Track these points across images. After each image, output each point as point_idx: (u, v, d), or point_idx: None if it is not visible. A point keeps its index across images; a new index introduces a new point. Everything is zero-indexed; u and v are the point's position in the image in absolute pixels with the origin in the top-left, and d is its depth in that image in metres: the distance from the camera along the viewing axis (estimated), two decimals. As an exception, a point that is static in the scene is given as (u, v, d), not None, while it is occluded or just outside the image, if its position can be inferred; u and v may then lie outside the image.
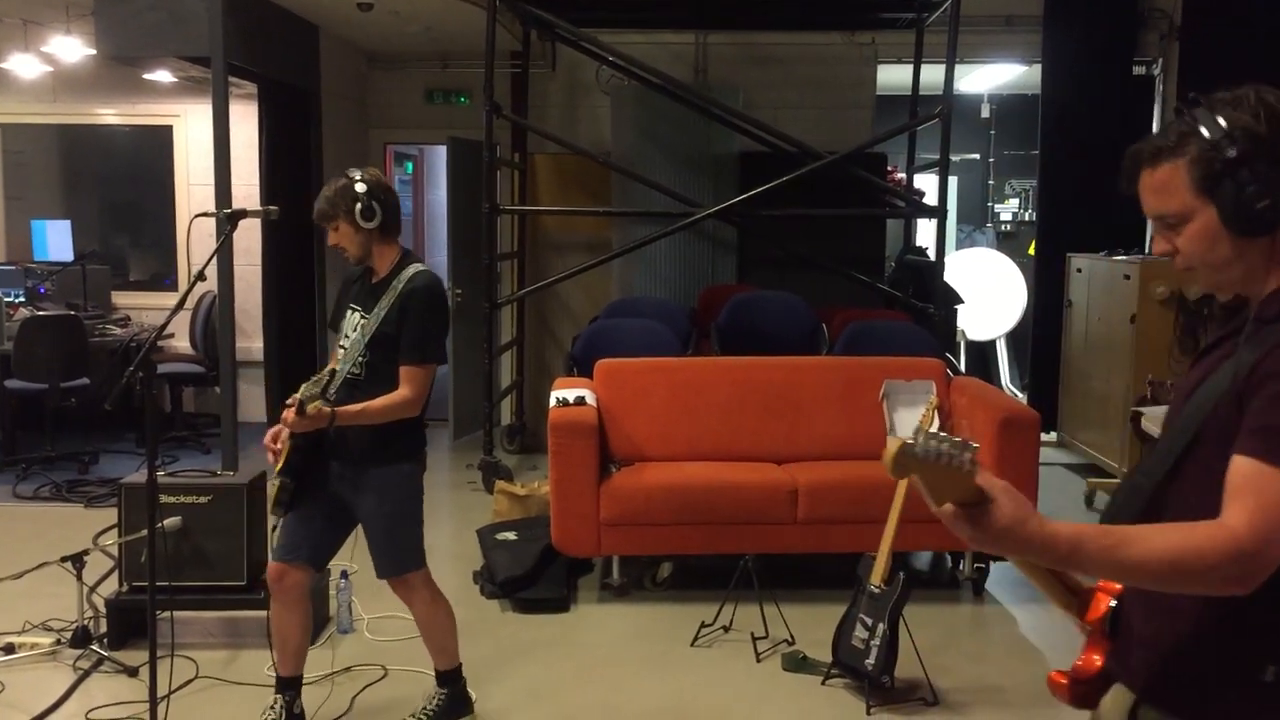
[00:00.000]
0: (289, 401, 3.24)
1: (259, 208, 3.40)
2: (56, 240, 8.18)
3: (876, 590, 3.84)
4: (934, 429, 1.38)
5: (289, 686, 3.61)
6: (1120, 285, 6.56)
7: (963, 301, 7.79)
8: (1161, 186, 1.57)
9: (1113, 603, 1.68)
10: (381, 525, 3.44)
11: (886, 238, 8.05)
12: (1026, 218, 10.42)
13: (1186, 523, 1.46)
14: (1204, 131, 1.51)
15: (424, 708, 3.63)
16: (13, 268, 7.90)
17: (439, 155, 9.77)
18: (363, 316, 3.42)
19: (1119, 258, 6.75)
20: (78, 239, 8.25)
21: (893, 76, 8.15)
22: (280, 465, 3.37)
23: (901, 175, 8.25)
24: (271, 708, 3.58)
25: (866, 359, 5.52)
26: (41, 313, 7.11)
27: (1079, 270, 7.20)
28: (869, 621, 3.84)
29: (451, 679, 3.67)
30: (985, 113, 10.50)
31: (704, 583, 4.87)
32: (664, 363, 5.54)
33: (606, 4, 7.09)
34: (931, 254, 7.10)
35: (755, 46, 8.06)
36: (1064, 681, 1.69)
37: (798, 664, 4.16)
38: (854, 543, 4.35)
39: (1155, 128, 7.84)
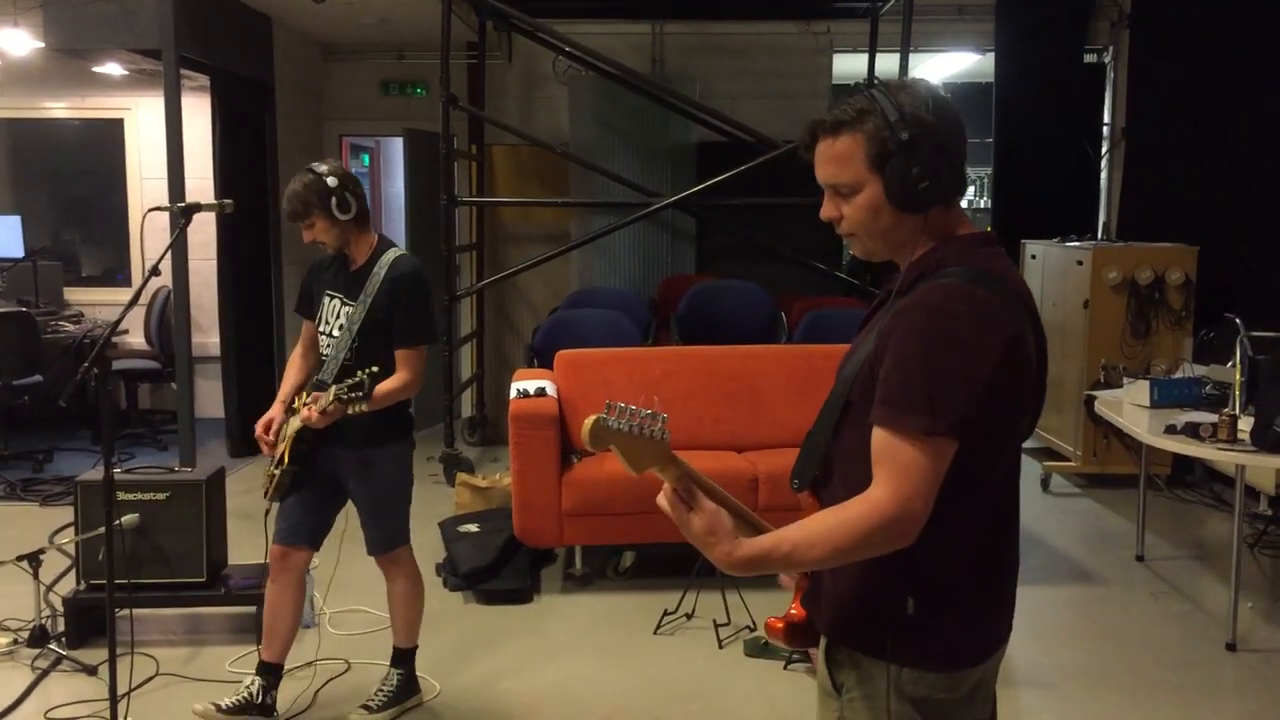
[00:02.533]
0: (308, 400, 3.33)
1: (213, 201, 3.37)
2: (6, 236, 8.04)
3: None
4: (627, 405, 1.55)
5: (269, 673, 3.65)
6: (1074, 271, 6.65)
7: (919, 288, 7.84)
8: (839, 156, 1.69)
9: None
10: (375, 505, 3.55)
11: (843, 226, 8.09)
12: (982, 205, 10.52)
13: (837, 505, 1.62)
14: (883, 111, 1.64)
15: (380, 689, 3.70)
16: (-38, 264, 7.78)
17: (395, 147, 9.69)
18: (344, 303, 3.47)
19: (1072, 244, 6.83)
20: (28, 235, 8.12)
21: (848, 66, 8.20)
22: (287, 455, 3.44)
23: (858, 163, 8.28)
24: (247, 686, 3.62)
25: (824, 347, 5.55)
26: (-8, 310, 7.01)
27: (1033, 256, 7.28)
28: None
29: (408, 659, 3.75)
30: (940, 101, 10.58)
31: (666, 571, 4.89)
32: (624, 353, 5.56)
33: (562, -6, 7.08)
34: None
35: (712, 36, 8.07)
36: (780, 625, 1.84)
37: (760, 649, 4.19)
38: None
39: (1107, 114, 7.95)
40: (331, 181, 3.37)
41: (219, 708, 3.56)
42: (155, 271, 3.13)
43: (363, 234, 3.51)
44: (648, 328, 6.66)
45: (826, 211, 1.75)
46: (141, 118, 8.15)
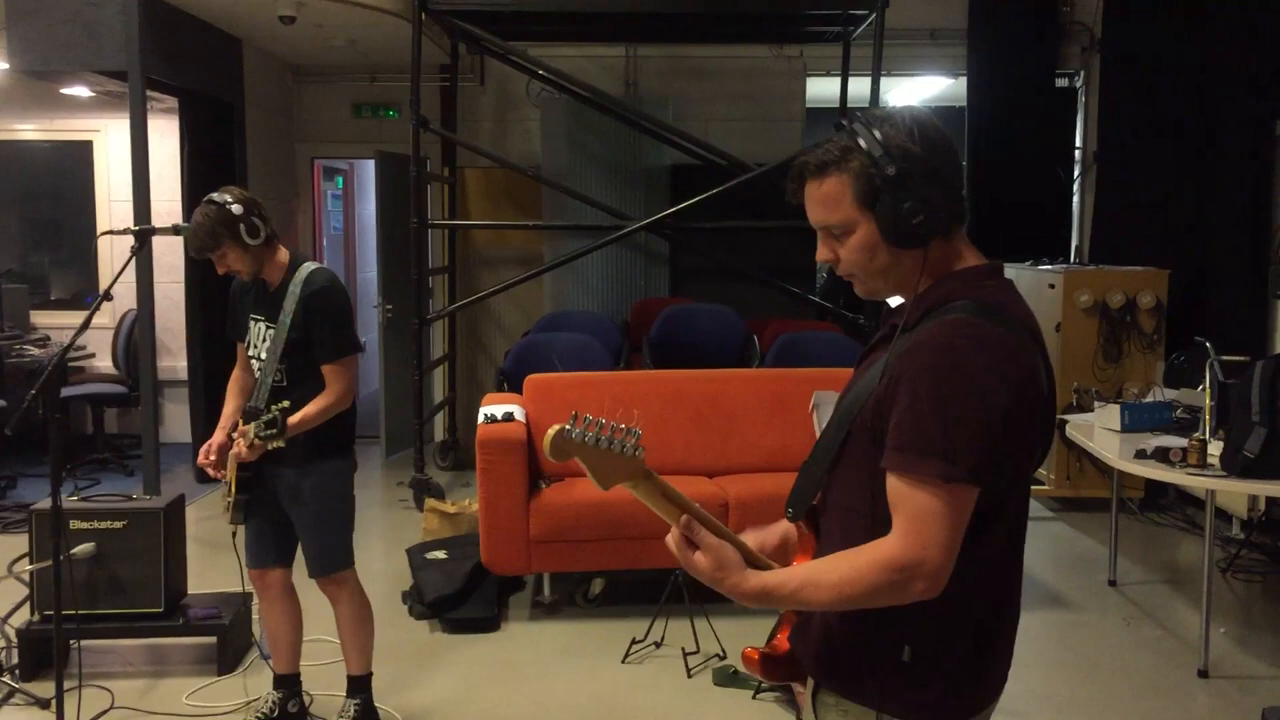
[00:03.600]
0: (237, 435, 3.31)
1: (167, 225, 3.33)
2: (-28, 259, 7.96)
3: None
4: (595, 418, 1.50)
5: (283, 684, 3.70)
6: (1046, 294, 6.65)
7: (893, 312, 7.84)
8: (826, 198, 1.64)
9: None
10: (314, 523, 3.51)
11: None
12: (956, 228, 10.56)
13: (851, 549, 1.56)
14: (865, 148, 1.59)
15: None
16: (-74, 288, 7.67)
17: (369, 169, 9.67)
18: (268, 325, 3.44)
19: (1044, 267, 6.84)
20: (-5, 257, 8.04)
21: (821, 89, 8.21)
22: (233, 484, 3.44)
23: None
24: (266, 701, 3.68)
25: (797, 370, 5.53)
26: (-45, 334, 6.91)
27: (1006, 280, 7.28)
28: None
29: (364, 686, 3.70)
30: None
31: (635, 598, 4.84)
32: (594, 377, 5.51)
33: (535, 17, 7.05)
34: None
35: (685, 59, 8.07)
36: (756, 656, 1.79)
37: (729, 678, 4.14)
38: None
39: (1078, 138, 7.98)
40: (236, 209, 3.30)
41: None
42: (107, 296, 3.09)
43: (274, 255, 3.44)
44: (619, 351, 6.61)
45: (822, 254, 1.71)
46: (111, 139, 8.08)
